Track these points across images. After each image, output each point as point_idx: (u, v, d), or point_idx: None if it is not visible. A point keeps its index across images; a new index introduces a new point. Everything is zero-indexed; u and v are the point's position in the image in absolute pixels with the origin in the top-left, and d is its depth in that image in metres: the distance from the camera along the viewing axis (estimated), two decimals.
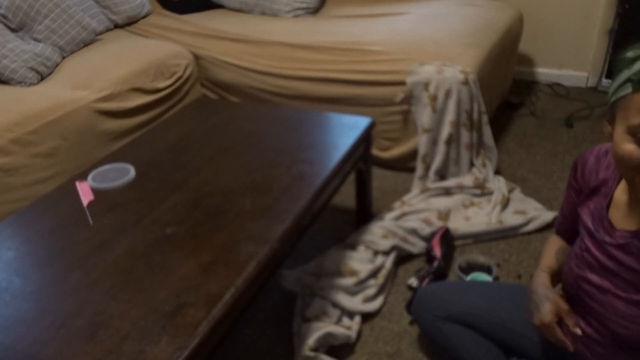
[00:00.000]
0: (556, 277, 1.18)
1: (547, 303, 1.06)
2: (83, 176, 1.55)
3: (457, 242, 1.95)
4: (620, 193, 1.00)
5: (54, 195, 1.49)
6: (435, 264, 1.76)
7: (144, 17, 2.96)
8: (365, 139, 1.78)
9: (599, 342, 1.06)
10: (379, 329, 1.62)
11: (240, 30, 2.67)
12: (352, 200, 2.20)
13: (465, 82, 2.09)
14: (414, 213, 2.01)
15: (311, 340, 1.48)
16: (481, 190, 2.12)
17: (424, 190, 2.13)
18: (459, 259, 1.81)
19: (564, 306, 1.07)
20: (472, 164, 2.21)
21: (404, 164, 2.35)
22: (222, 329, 1.08)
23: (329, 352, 1.52)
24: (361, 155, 1.79)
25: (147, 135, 1.80)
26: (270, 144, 1.68)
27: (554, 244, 1.25)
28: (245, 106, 1.99)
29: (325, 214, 2.14)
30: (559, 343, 1.06)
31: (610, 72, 3.09)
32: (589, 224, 1.05)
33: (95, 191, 1.48)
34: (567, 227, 1.21)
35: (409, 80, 2.15)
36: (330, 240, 1.97)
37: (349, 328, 1.58)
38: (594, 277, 1.03)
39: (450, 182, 2.15)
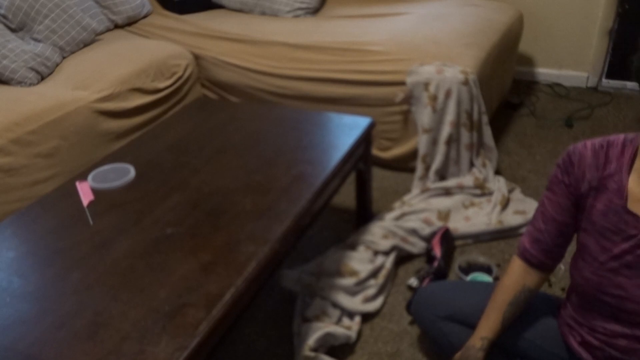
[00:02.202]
0: (486, 342, 1.17)
1: None
2: (83, 176, 1.55)
3: (457, 242, 1.95)
4: (635, 184, 0.96)
5: (54, 195, 1.49)
6: (435, 264, 1.76)
7: (144, 17, 2.96)
8: (365, 139, 1.78)
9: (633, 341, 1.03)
10: (379, 329, 1.62)
11: (240, 30, 2.67)
12: (352, 200, 2.20)
13: (466, 82, 2.09)
14: (414, 213, 2.01)
15: (311, 341, 1.48)
16: (481, 190, 2.12)
17: (424, 191, 2.13)
18: (459, 259, 1.81)
19: None
20: (472, 164, 2.21)
21: (404, 164, 2.35)
22: (222, 329, 1.08)
23: (329, 352, 1.52)
24: (361, 156, 1.79)
25: (147, 135, 1.80)
26: (270, 144, 1.67)
27: (504, 298, 1.16)
28: (245, 106, 1.99)
29: (325, 214, 2.14)
30: None
31: (611, 72, 3.09)
32: (606, 224, 0.99)
33: (95, 191, 1.48)
34: (554, 234, 1.11)
35: (409, 80, 2.15)
36: (330, 240, 1.97)
37: (349, 328, 1.58)
38: (621, 280, 0.99)
39: (450, 182, 2.14)
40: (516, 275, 1.16)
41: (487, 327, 1.18)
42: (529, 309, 1.23)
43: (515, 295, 1.15)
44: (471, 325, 1.27)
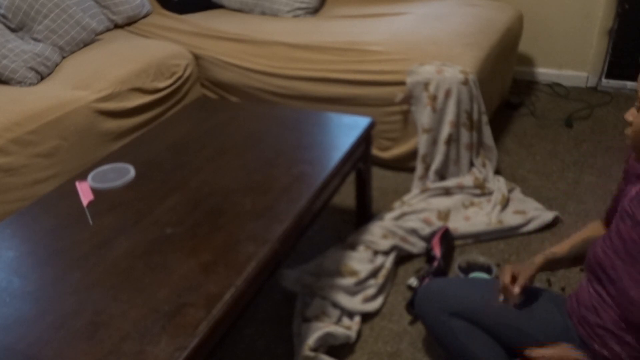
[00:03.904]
0: (556, 263, 1.28)
1: (509, 266, 1.27)
2: (83, 176, 1.55)
3: (457, 242, 1.95)
4: None
5: (54, 195, 1.49)
6: (435, 264, 1.76)
7: (144, 17, 2.96)
8: (365, 139, 1.78)
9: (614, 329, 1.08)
10: (379, 329, 1.62)
11: (240, 30, 2.67)
12: (352, 200, 2.20)
13: (465, 82, 2.09)
14: (413, 213, 2.01)
15: (311, 340, 1.48)
16: (481, 190, 2.12)
17: (424, 190, 2.13)
18: (459, 259, 1.81)
19: (522, 273, 1.25)
20: (472, 164, 2.21)
21: (404, 164, 2.35)
22: (222, 329, 1.08)
23: (329, 352, 1.52)
24: (361, 155, 1.79)
25: (147, 135, 1.80)
26: (270, 144, 1.67)
27: (582, 233, 1.29)
28: (245, 106, 1.99)
29: (325, 214, 2.14)
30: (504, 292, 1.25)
31: (610, 72, 3.09)
32: (627, 206, 1.07)
33: (95, 191, 1.48)
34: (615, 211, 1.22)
35: (409, 80, 2.15)
36: (330, 240, 1.97)
37: (349, 328, 1.58)
38: (619, 263, 1.05)
39: (450, 182, 2.15)
40: (596, 227, 1.32)
41: (554, 248, 1.29)
42: (532, 306, 1.24)
43: (590, 236, 1.28)
44: (476, 322, 1.27)
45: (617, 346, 1.08)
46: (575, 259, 1.29)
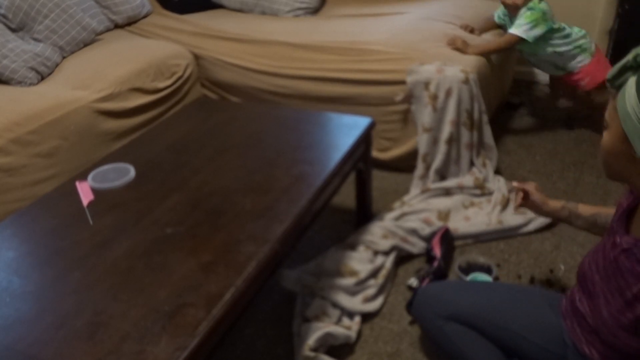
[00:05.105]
0: (573, 217, 1.33)
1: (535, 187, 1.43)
2: (83, 176, 1.55)
3: (457, 242, 1.95)
4: None
5: (54, 195, 1.49)
6: (435, 264, 1.76)
7: (144, 17, 2.96)
8: (365, 139, 1.78)
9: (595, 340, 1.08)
10: (379, 329, 1.62)
11: (240, 30, 2.67)
12: (352, 200, 2.20)
13: (466, 81, 2.09)
14: (414, 213, 2.01)
15: (311, 340, 1.48)
16: (481, 190, 2.12)
17: (424, 191, 2.13)
18: (459, 259, 1.81)
19: (531, 188, 1.42)
20: (472, 164, 2.21)
21: (403, 165, 2.35)
22: (222, 329, 1.08)
23: (329, 352, 1.52)
24: (361, 156, 1.79)
25: (147, 135, 1.80)
26: (270, 144, 1.67)
27: (610, 209, 1.28)
28: (246, 106, 1.99)
29: (325, 214, 2.13)
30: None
31: None
32: (614, 223, 1.05)
33: (95, 191, 1.48)
34: None
35: (409, 79, 2.15)
36: (330, 240, 1.97)
37: (349, 328, 1.58)
38: (597, 278, 1.04)
39: (450, 183, 2.14)
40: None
41: (580, 206, 1.34)
42: (529, 308, 1.24)
43: (610, 213, 1.28)
44: (472, 326, 1.27)
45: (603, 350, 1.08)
46: (593, 226, 1.30)
